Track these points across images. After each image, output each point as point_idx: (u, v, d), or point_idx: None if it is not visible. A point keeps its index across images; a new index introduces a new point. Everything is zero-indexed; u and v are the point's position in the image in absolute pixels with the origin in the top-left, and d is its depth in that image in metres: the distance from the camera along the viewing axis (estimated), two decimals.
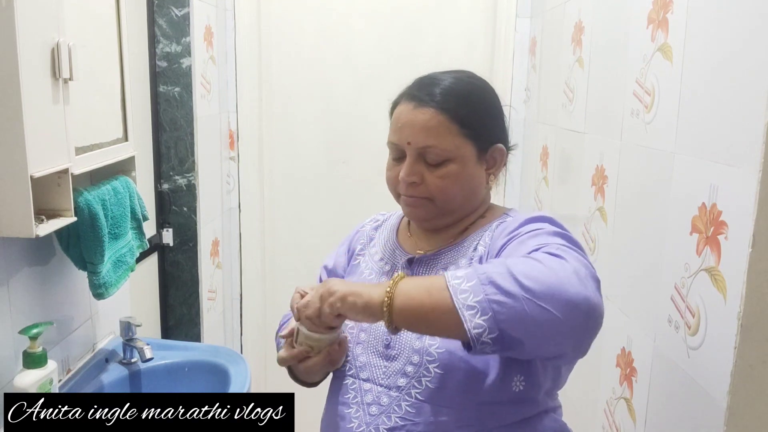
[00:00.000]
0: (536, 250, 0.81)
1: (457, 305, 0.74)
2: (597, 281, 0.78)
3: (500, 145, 1.00)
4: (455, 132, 0.94)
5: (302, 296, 0.89)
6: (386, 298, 0.79)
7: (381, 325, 0.96)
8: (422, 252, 1.02)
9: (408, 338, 0.93)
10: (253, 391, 1.42)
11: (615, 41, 1.41)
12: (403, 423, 0.89)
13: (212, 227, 2.24)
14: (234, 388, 1.40)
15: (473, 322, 0.73)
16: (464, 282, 0.75)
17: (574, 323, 0.73)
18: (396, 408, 0.91)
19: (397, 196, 1.01)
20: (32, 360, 1.11)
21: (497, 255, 0.89)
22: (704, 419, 0.95)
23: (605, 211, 1.44)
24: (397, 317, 0.79)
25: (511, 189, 2.37)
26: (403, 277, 0.82)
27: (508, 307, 0.72)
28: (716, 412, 0.91)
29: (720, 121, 0.94)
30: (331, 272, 1.15)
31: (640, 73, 1.25)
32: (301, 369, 0.96)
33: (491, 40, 2.32)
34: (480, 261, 0.94)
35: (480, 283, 0.74)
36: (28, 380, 1.09)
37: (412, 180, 0.95)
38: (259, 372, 2.51)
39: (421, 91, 0.97)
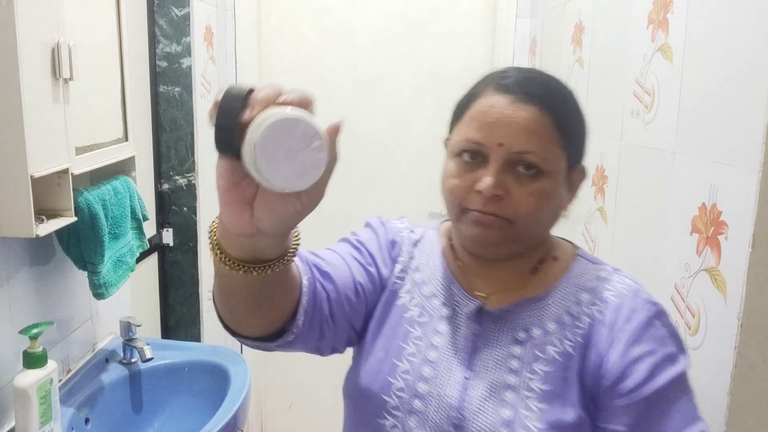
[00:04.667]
0: None
1: None
2: None
3: (583, 165, 0.82)
4: (556, 141, 0.75)
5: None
6: None
7: (449, 397, 0.76)
8: (482, 295, 0.80)
9: (491, 421, 0.73)
10: (253, 391, 1.42)
11: (615, 41, 1.41)
12: None
13: None
14: (234, 388, 1.40)
15: None
16: None
17: None
18: None
19: (460, 212, 0.77)
20: (32, 360, 1.11)
21: (618, 373, 0.72)
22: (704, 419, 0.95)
23: (605, 211, 1.44)
24: None
25: None
26: None
27: None
28: (716, 412, 0.90)
29: (720, 121, 0.94)
30: (360, 247, 0.87)
31: (640, 73, 1.25)
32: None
33: (491, 40, 2.32)
34: (586, 341, 0.75)
35: None
36: (28, 380, 1.09)
37: (497, 193, 0.73)
38: (259, 372, 2.51)
39: (518, 84, 0.76)
